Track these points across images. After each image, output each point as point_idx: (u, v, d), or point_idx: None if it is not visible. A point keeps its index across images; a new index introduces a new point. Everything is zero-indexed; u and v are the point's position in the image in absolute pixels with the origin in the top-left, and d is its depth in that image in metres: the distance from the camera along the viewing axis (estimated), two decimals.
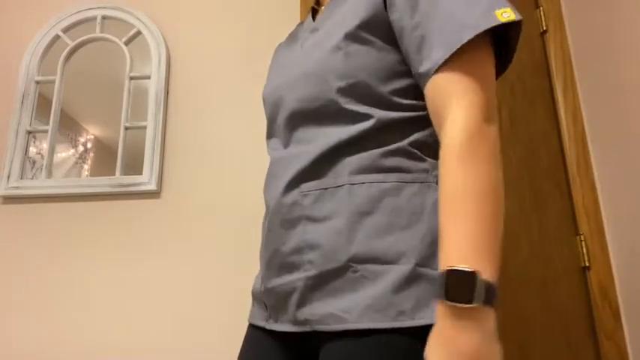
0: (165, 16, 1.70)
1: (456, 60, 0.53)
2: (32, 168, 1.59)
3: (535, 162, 1.46)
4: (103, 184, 1.51)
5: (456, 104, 0.52)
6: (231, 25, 1.67)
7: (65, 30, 1.69)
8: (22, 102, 1.62)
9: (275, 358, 0.65)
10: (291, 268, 0.61)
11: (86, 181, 1.54)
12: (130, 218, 1.50)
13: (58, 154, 1.61)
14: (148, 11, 1.69)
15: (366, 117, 0.60)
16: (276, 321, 0.64)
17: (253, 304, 0.72)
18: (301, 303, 0.59)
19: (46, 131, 1.58)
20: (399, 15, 0.59)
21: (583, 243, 1.37)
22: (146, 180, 1.50)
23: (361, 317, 0.52)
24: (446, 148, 0.52)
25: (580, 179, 1.41)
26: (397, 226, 0.56)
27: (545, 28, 1.56)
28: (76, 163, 1.67)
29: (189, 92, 1.62)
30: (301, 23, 0.84)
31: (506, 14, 0.52)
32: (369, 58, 0.61)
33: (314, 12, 0.83)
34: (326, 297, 0.56)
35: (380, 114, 0.60)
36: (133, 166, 1.53)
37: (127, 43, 1.65)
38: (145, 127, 1.55)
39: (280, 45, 0.87)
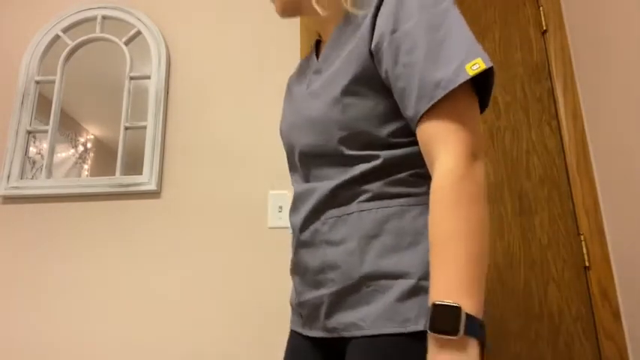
0: (166, 16, 1.70)
1: (438, 108, 0.59)
2: (32, 168, 1.59)
3: (535, 162, 1.46)
4: (103, 184, 1.51)
5: (442, 149, 0.58)
6: (231, 25, 1.67)
7: (65, 30, 1.69)
8: (22, 102, 1.62)
9: (311, 358, 0.76)
10: (318, 285, 0.71)
11: (86, 181, 1.54)
12: (130, 218, 1.50)
13: (58, 154, 1.61)
14: (148, 11, 1.69)
15: (374, 157, 0.68)
16: (310, 328, 0.74)
17: (292, 313, 0.83)
18: (328, 314, 0.68)
19: (46, 131, 1.58)
20: (385, 68, 0.66)
21: (583, 243, 1.37)
22: (146, 180, 1.50)
23: (375, 325, 0.61)
24: (435, 193, 0.58)
25: (580, 179, 1.41)
26: (401, 246, 0.64)
27: (545, 28, 1.56)
28: (76, 163, 1.67)
29: (189, 92, 1.62)
30: (307, 57, 0.90)
31: (476, 66, 0.57)
32: (365, 108, 0.68)
33: (317, 45, 0.88)
34: (347, 309, 0.66)
35: (385, 154, 0.67)
36: (133, 166, 1.53)
37: (127, 43, 1.65)
38: (145, 127, 1.55)
39: (291, 78, 0.93)
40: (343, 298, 0.66)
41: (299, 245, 0.75)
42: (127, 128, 1.57)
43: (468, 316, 0.51)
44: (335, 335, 0.67)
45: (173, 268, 1.45)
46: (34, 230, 1.52)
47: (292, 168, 0.82)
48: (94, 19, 1.69)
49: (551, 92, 1.51)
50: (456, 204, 0.56)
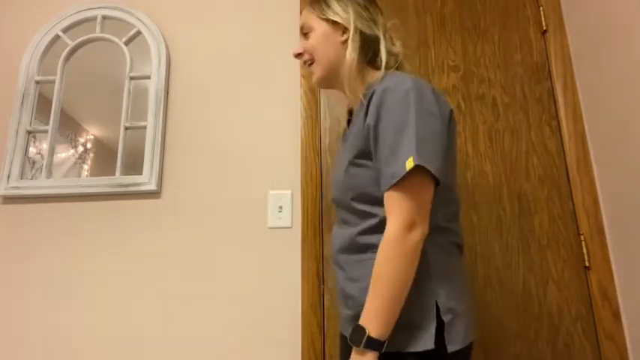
0: (165, 16, 1.70)
1: (392, 189, 0.83)
2: (32, 168, 1.59)
3: (535, 162, 1.46)
4: (103, 184, 1.51)
5: (391, 217, 0.82)
6: (231, 25, 1.67)
7: (65, 30, 1.69)
8: (22, 102, 1.62)
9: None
10: (344, 306, 0.94)
11: (86, 181, 1.54)
12: (130, 218, 1.50)
13: (58, 154, 1.61)
14: (148, 11, 1.69)
15: (373, 215, 0.89)
16: (347, 333, 0.92)
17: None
18: (349, 327, 0.88)
19: (46, 131, 1.58)
20: (372, 149, 0.89)
21: (583, 243, 1.37)
22: (146, 180, 1.50)
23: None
24: (379, 247, 0.82)
25: (580, 179, 1.41)
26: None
27: (545, 28, 1.56)
28: (76, 163, 1.67)
29: (189, 92, 1.62)
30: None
31: (409, 163, 0.81)
32: (365, 176, 0.90)
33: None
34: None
35: (382, 213, 0.87)
36: (133, 166, 1.53)
37: (127, 43, 1.65)
38: (145, 127, 1.55)
39: (341, 136, 1.23)
40: (356, 320, 0.84)
41: (335, 265, 0.98)
42: (127, 128, 1.57)
43: (368, 337, 0.78)
44: (351, 344, 0.86)
45: (173, 268, 1.45)
46: (34, 230, 1.52)
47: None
48: (94, 19, 1.69)
49: (551, 92, 1.51)
50: (387, 257, 0.80)
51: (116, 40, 1.66)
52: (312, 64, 1.04)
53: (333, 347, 1.34)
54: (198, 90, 1.62)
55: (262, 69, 1.61)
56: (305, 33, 1.05)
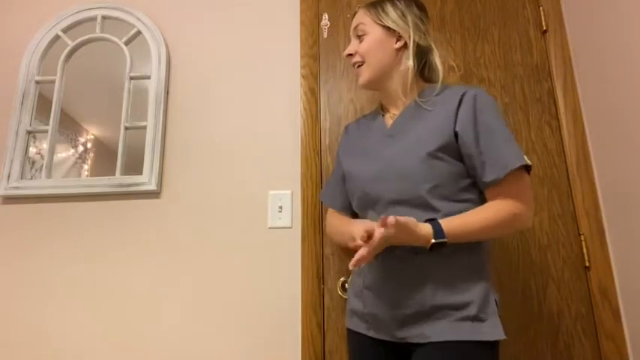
0: (165, 16, 1.70)
1: (522, 170, 0.95)
2: (32, 168, 1.59)
3: (535, 162, 1.46)
4: (103, 184, 1.51)
5: (521, 197, 0.95)
6: (231, 25, 1.67)
7: (65, 30, 1.69)
8: (22, 102, 1.62)
9: (376, 354, 1.01)
10: (396, 304, 0.96)
11: (86, 181, 1.54)
12: (130, 218, 1.50)
13: (58, 154, 1.61)
14: (148, 11, 1.69)
15: (436, 210, 0.96)
16: (376, 332, 1.00)
17: (352, 316, 1.07)
18: (400, 326, 0.95)
19: (46, 131, 1.58)
20: (466, 146, 0.97)
21: (583, 243, 1.37)
22: (146, 180, 1.50)
23: (440, 335, 0.90)
24: (501, 205, 0.94)
25: (580, 179, 1.41)
26: (463, 284, 0.93)
27: (545, 28, 1.56)
28: (76, 163, 1.67)
29: (189, 92, 1.62)
30: (369, 117, 1.20)
31: (527, 159, 0.95)
32: (445, 169, 0.96)
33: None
34: (416, 324, 0.93)
35: (445, 209, 0.95)
36: (133, 166, 1.53)
37: (127, 43, 1.65)
38: (145, 127, 1.55)
39: (351, 128, 1.24)
40: (416, 318, 0.93)
41: (380, 267, 1.00)
42: (127, 128, 1.57)
43: (439, 224, 0.91)
44: (401, 341, 0.95)
45: (173, 268, 1.45)
46: (34, 230, 1.52)
47: (367, 206, 1.06)
48: (94, 19, 1.69)
49: (551, 92, 1.51)
50: (504, 222, 0.93)
51: (116, 40, 1.66)
52: (360, 65, 1.09)
53: (333, 346, 1.34)
54: (198, 90, 1.62)
55: (262, 69, 1.61)
56: (359, 35, 1.10)
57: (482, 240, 0.97)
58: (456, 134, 0.98)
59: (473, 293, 0.93)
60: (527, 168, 0.96)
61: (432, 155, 0.96)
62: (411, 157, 0.99)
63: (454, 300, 0.92)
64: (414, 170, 0.97)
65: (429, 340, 0.91)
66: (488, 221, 0.92)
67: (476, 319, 0.91)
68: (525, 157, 0.94)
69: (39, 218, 1.53)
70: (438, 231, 0.90)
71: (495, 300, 0.96)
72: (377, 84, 1.10)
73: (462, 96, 0.99)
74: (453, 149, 0.97)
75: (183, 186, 1.52)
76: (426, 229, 0.90)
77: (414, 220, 0.90)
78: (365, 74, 1.09)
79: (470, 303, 0.92)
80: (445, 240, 0.90)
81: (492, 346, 0.91)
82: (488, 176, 0.94)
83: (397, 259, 0.97)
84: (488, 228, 0.92)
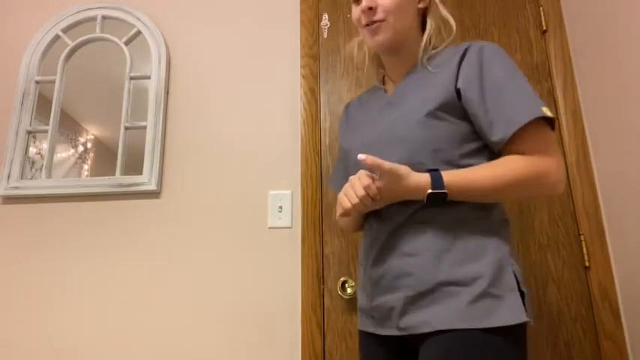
0: (166, 16, 1.70)
1: (520, 135, 0.81)
2: (32, 168, 1.59)
3: None
4: (103, 184, 1.51)
5: (547, 152, 0.81)
6: (231, 25, 1.67)
7: (65, 30, 1.69)
8: (22, 102, 1.62)
9: (383, 355, 0.90)
10: (396, 289, 0.84)
11: (86, 181, 1.54)
12: (130, 218, 1.50)
13: (58, 154, 1.61)
14: (148, 11, 1.69)
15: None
16: (383, 328, 0.87)
17: (361, 316, 0.97)
18: (400, 314, 0.82)
19: (46, 131, 1.58)
20: (471, 105, 0.85)
21: (583, 243, 1.37)
22: (146, 180, 1.50)
23: (446, 322, 0.76)
24: (519, 160, 0.81)
25: (580, 179, 1.41)
26: (472, 257, 0.80)
27: (545, 28, 1.56)
28: (76, 163, 1.67)
29: (189, 92, 1.62)
30: (370, 91, 1.11)
31: (547, 112, 0.81)
32: (445, 130, 0.85)
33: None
34: (419, 310, 0.80)
35: None
36: (133, 166, 1.53)
37: (127, 43, 1.65)
38: (145, 127, 1.55)
39: (352, 105, 1.14)
40: (417, 301, 0.80)
41: (378, 245, 0.89)
42: (127, 128, 1.57)
43: (439, 175, 0.81)
44: (405, 333, 0.81)
45: (173, 268, 1.45)
46: (34, 230, 1.52)
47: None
48: (94, 19, 1.69)
49: (551, 92, 1.51)
50: (524, 178, 0.80)
51: (116, 40, 1.66)
52: (379, 22, 0.95)
53: (333, 346, 1.34)
54: (198, 90, 1.62)
55: (262, 69, 1.61)
56: None
57: (495, 200, 0.85)
58: (458, 92, 0.86)
59: (481, 264, 0.79)
60: (549, 122, 0.83)
61: (432, 115, 0.85)
62: (409, 120, 0.88)
63: (459, 274, 0.78)
64: (411, 134, 0.86)
65: (431, 329, 0.77)
66: (504, 177, 0.80)
67: (485, 296, 0.76)
68: (545, 109, 0.80)
69: (39, 218, 1.53)
70: (436, 180, 0.80)
71: (514, 272, 0.80)
72: (393, 47, 0.97)
73: (466, 49, 0.88)
74: (455, 108, 0.86)
75: (183, 186, 1.52)
76: (423, 178, 0.81)
77: (407, 168, 0.81)
78: (385, 33, 0.94)
79: (478, 277, 0.77)
80: (444, 191, 0.79)
81: (511, 331, 0.75)
82: (497, 135, 0.82)
83: (394, 232, 0.87)
84: (503, 184, 0.80)
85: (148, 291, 1.43)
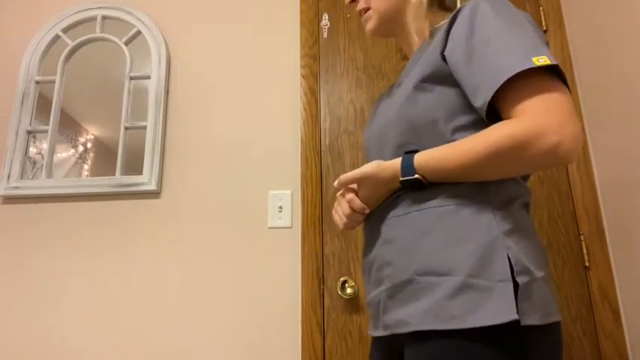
0: (166, 16, 1.70)
1: (507, 94, 0.66)
2: (32, 168, 1.59)
3: None
4: (103, 184, 1.51)
5: (524, 115, 0.64)
6: (231, 25, 1.67)
7: (65, 30, 1.69)
8: (22, 102, 1.62)
9: (381, 358, 0.82)
10: (379, 284, 0.76)
11: (86, 181, 1.54)
12: (130, 218, 1.50)
13: (58, 154, 1.61)
14: (148, 11, 1.69)
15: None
16: (375, 327, 0.77)
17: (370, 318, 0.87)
18: (384, 311, 0.73)
19: (46, 131, 1.58)
20: (456, 68, 0.71)
21: (583, 243, 1.37)
22: (146, 180, 1.50)
23: (422, 321, 0.64)
24: (501, 125, 0.65)
25: (580, 179, 1.41)
26: (452, 243, 0.67)
27: (545, 28, 1.56)
28: (76, 163, 1.67)
29: (189, 92, 1.62)
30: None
31: (542, 60, 0.63)
32: (433, 101, 0.74)
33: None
34: (398, 305, 0.69)
35: None
36: (133, 166, 1.53)
37: (127, 43, 1.65)
38: (145, 127, 1.55)
39: (380, 95, 1.03)
40: (395, 294, 0.70)
41: (366, 236, 0.83)
42: (127, 128, 1.57)
43: (411, 156, 0.71)
44: (387, 333, 0.71)
45: (173, 268, 1.45)
46: (34, 230, 1.52)
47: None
48: (94, 19, 1.69)
49: None
50: (497, 147, 0.64)
51: (116, 40, 1.66)
52: (366, 11, 0.92)
53: (333, 346, 1.34)
54: (198, 90, 1.62)
55: (262, 69, 1.61)
56: None
57: (481, 178, 0.69)
58: (445, 57, 0.74)
59: (463, 248, 0.65)
60: (557, 72, 0.65)
61: (419, 88, 0.75)
62: (399, 100, 0.80)
63: (439, 260, 0.66)
64: (399, 114, 0.78)
65: (409, 329, 0.66)
66: (475, 150, 0.65)
67: (467, 288, 0.62)
68: (539, 58, 0.63)
69: (39, 218, 1.53)
70: (406, 166, 0.71)
71: (509, 257, 0.63)
72: (388, 29, 0.91)
73: (459, 10, 0.75)
74: (442, 76, 0.74)
75: (183, 186, 1.52)
76: (394, 166, 0.73)
77: (376, 162, 0.75)
78: (372, 21, 0.90)
79: (457, 265, 0.64)
80: (416, 177, 0.70)
81: (501, 335, 0.60)
82: (479, 100, 0.67)
83: (379, 217, 0.80)
84: (474, 158, 0.65)
85: (147, 291, 1.43)
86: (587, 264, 1.35)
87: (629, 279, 1.27)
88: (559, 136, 0.61)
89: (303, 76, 1.57)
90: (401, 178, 0.72)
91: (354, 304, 1.36)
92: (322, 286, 1.38)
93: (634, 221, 1.23)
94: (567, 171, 1.43)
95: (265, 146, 1.54)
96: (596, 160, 1.41)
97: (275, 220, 1.45)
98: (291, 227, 1.45)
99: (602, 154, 1.38)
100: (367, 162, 0.84)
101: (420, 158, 0.71)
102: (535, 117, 0.62)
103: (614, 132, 1.31)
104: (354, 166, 1.49)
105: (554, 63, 0.63)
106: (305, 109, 1.54)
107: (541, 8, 1.58)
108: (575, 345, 1.31)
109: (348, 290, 1.36)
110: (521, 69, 0.63)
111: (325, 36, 1.63)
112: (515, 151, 0.63)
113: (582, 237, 1.37)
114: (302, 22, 1.63)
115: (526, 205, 0.75)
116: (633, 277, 1.25)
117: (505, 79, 0.63)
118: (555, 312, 0.66)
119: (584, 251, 1.36)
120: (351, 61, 1.59)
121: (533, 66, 0.62)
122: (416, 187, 0.72)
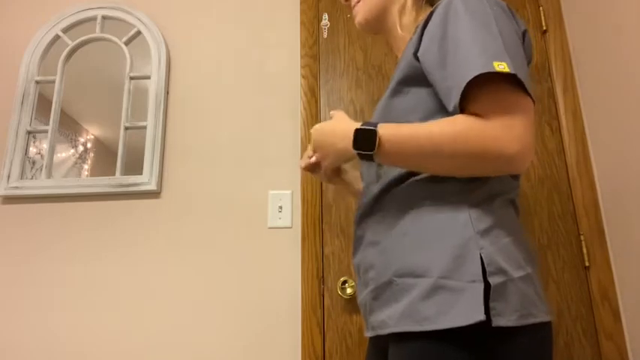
0: (165, 16, 1.70)
1: (473, 99, 0.65)
2: (32, 168, 1.59)
3: (535, 162, 1.46)
4: (103, 184, 1.51)
5: (490, 114, 0.63)
6: (231, 25, 1.67)
7: (65, 30, 1.69)
8: (22, 102, 1.61)
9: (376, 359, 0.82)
10: (365, 286, 0.76)
11: (86, 181, 1.54)
12: (130, 218, 1.50)
13: (58, 154, 1.61)
14: (148, 11, 1.69)
15: None
16: (367, 329, 0.77)
17: None
18: (370, 312, 0.73)
19: (46, 131, 1.58)
20: (430, 71, 0.70)
21: (583, 243, 1.37)
22: (146, 180, 1.50)
23: (398, 323, 0.65)
24: (463, 122, 0.64)
25: (580, 179, 1.41)
26: (427, 243, 0.67)
27: (545, 28, 1.56)
28: (76, 163, 1.67)
29: (189, 92, 1.62)
30: None
31: (501, 66, 0.62)
32: (409, 104, 0.73)
33: None
34: (381, 307, 0.70)
35: None
36: (133, 166, 1.53)
37: (127, 43, 1.65)
38: (145, 127, 1.55)
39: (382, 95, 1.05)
40: (378, 296, 0.71)
41: (354, 246, 0.83)
42: (127, 128, 1.57)
43: (372, 127, 0.68)
44: (373, 334, 0.72)
45: (173, 268, 1.45)
46: (34, 230, 1.52)
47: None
48: (94, 19, 1.69)
49: (551, 92, 1.51)
50: (464, 142, 0.63)
51: (116, 40, 1.66)
52: (356, 4, 0.90)
53: (333, 347, 1.34)
54: (198, 90, 1.62)
55: (262, 69, 1.61)
56: None
57: (430, 170, 0.69)
58: (417, 58, 0.73)
59: (436, 249, 0.65)
60: (517, 81, 0.64)
61: (394, 92, 0.75)
62: (382, 103, 0.80)
63: (415, 261, 0.66)
64: (379, 118, 0.77)
65: (388, 331, 0.66)
66: (431, 135, 0.65)
67: (439, 289, 0.62)
68: (499, 63, 0.62)
69: (39, 218, 1.53)
70: (361, 139, 0.69)
71: (482, 256, 0.62)
72: (375, 26, 0.89)
73: (435, 8, 0.73)
74: (417, 78, 0.73)
75: (183, 186, 1.52)
76: (348, 135, 0.71)
77: (340, 115, 0.77)
78: (361, 14, 0.89)
79: (431, 266, 0.64)
80: (370, 153, 0.68)
81: (473, 334, 0.59)
82: (450, 105, 0.66)
83: (363, 217, 0.80)
84: (431, 147, 0.65)
85: (147, 291, 1.43)
86: (587, 264, 1.35)
87: (629, 279, 1.27)
88: (514, 145, 0.62)
89: (303, 76, 1.57)
90: (354, 151, 0.70)
91: (354, 304, 1.36)
92: (322, 286, 1.38)
93: (634, 221, 1.23)
94: (567, 171, 1.43)
95: (265, 146, 1.54)
96: (596, 160, 1.41)
97: (275, 220, 1.45)
98: (291, 227, 1.45)
99: (602, 154, 1.38)
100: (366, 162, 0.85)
101: (384, 132, 0.68)
102: (499, 121, 0.62)
103: (614, 132, 1.31)
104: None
105: (513, 72, 0.62)
106: (305, 109, 1.54)
107: (541, 8, 1.58)
108: (575, 345, 1.31)
109: (348, 290, 1.36)
110: (479, 72, 0.62)
111: (325, 36, 1.63)
112: (468, 146, 0.63)
113: (582, 237, 1.37)
114: (302, 22, 1.63)
115: (512, 202, 0.73)
116: (633, 277, 1.25)
117: (466, 82, 0.63)
118: (539, 312, 0.64)
119: (584, 251, 1.36)
120: (351, 61, 1.59)
121: (492, 70, 0.61)
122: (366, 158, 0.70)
